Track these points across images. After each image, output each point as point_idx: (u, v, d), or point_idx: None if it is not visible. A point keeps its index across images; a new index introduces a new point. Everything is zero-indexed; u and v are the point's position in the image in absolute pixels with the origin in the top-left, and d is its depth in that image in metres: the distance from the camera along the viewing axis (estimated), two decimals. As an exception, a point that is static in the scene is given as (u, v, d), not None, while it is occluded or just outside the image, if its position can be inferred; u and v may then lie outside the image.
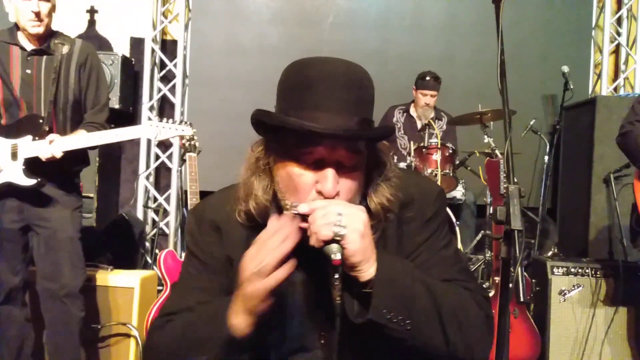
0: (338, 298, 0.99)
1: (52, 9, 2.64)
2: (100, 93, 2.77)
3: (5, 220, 2.65)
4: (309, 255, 1.05)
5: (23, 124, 2.61)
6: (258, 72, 4.62)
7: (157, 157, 4.85)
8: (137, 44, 4.86)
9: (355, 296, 1.05)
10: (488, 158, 3.32)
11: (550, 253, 3.70)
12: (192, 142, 3.13)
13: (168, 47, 4.93)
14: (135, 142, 4.76)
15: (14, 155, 2.59)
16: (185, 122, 2.68)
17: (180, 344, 1.12)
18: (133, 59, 4.77)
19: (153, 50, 4.79)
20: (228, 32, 4.79)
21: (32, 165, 2.58)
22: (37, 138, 2.57)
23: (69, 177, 2.75)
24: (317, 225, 1.00)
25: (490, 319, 1.14)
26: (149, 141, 4.81)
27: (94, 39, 4.76)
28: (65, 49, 2.67)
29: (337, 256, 0.99)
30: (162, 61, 4.86)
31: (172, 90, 4.81)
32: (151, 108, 4.75)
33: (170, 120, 2.60)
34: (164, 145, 4.85)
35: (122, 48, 4.82)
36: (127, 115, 4.61)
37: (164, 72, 4.86)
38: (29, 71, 2.64)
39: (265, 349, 1.14)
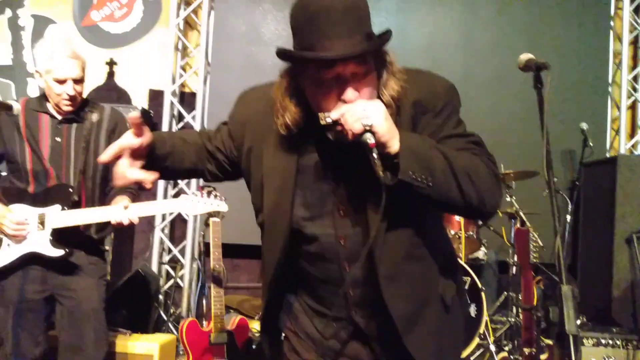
0: (381, 172, 1.24)
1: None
2: None
3: (29, 291, 2.58)
4: (321, 144, 1.37)
5: (52, 193, 2.56)
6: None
7: (173, 208, 4.80)
8: (155, 96, 4.88)
9: (386, 167, 1.29)
10: (517, 227, 3.27)
11: (579, 322, 3.62)
12: (217, 207, 3.09)
13: (186, 99, 4.95)
14: (150, 193, 4.72)
15: (42, 225, 2.54)
16: (220, 197, 2.65)
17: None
18: (152, 111, 4.78)
19: (172, 103, 4.80)
20: (245, 84, 4.77)
21: (60, 235, 2.54)
22: (65, 208, 2.53)
23: (95, 243, 2.71)
24: (349, 123, 1.25)
25: (497, 176, 1.40)
26: (165, 191, 4.79)
27: (112, 91, 4.78)
28: (94, 117, 2.65)
29: (371, 140, 1.24)
30: (180, 113, 4.87)
31: (190, 142, 4.78)
32: (168, 160, 4.73)
33: (205, 195, 2.57)
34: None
35: (140, 100, 4.84)
36: (145, 168, 4.58)
37: (181, 124, 4.86)
38: (58, 139, 2.61)
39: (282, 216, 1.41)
